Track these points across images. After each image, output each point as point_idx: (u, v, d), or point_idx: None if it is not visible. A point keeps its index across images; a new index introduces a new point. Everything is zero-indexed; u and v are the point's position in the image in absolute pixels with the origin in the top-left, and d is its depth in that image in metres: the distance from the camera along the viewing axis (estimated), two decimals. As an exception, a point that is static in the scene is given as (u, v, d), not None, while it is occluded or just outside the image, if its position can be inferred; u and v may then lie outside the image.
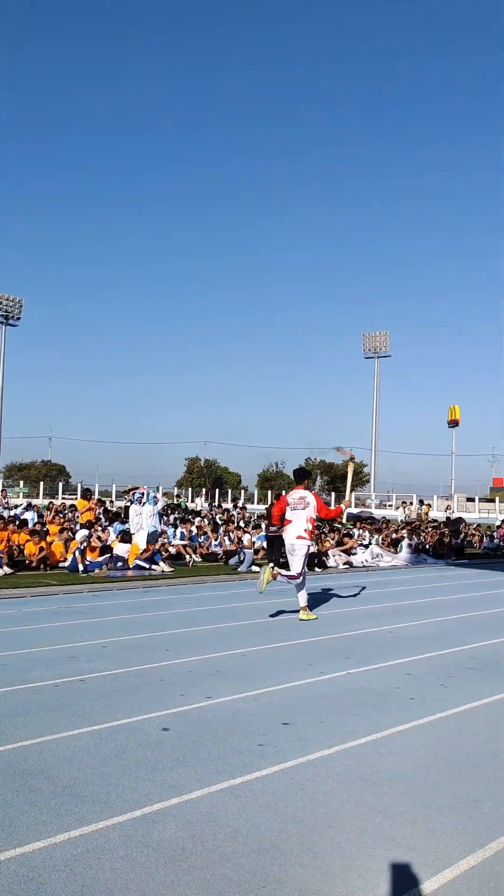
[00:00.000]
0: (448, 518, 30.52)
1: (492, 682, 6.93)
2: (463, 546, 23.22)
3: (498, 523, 29.34)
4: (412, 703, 6.13)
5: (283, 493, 11.82)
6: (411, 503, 38.14)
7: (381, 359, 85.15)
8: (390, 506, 62.93)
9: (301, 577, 10.43)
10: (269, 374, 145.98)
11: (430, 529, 23.80)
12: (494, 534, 26.16)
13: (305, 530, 10.45)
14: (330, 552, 18.09)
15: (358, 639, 8.97)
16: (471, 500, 70.81)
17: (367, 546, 19.44)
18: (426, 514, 33.09)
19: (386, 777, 4.52)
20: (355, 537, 19.96)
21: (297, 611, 10.45)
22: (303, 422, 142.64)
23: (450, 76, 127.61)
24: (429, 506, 40.84)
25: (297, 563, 10.44)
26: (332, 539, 19.00)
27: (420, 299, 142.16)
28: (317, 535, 11.38)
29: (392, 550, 20.54)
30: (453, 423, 78.68)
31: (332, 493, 75.39)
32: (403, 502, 39.92)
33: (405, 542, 20.54)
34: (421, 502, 36.94)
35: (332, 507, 11.75)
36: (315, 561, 16.97)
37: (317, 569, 16.83)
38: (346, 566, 17.97)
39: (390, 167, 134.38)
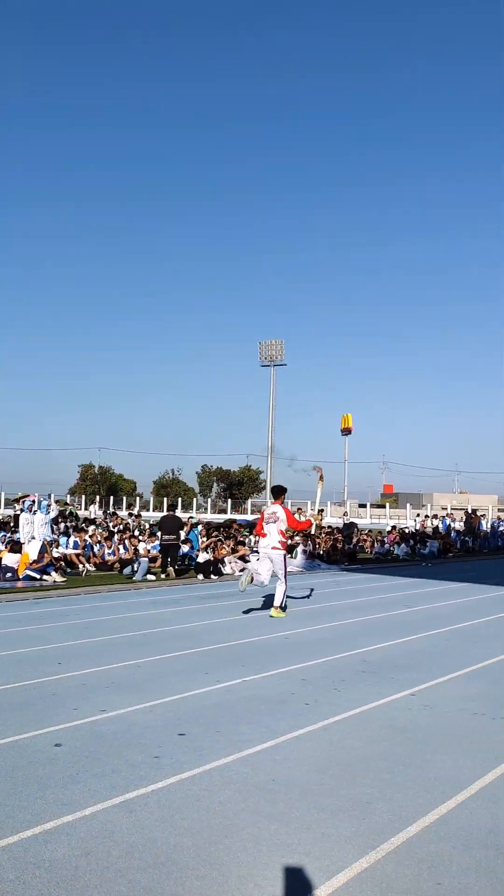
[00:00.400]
0: (344, 523, 31.18)
1: (382, 684, 7.11)
2: (355, 551, 23.77)
3: (388, 529, 30.19)
4: (306, 709, 6.22)
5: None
6: (299, 510, 38.71)
7: (276, 367, 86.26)
8: (285, 512, 63.52)
9: (264, 583, 11.74)
10: (165, 380, 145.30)
11: (323, 535, 24.23)
12: (385, 539, 26.89)
13: (279, 542, 11.74)
14: (226, 559, 18.14)
15: (254, 646, 9.03)
16: (363, 506, 72.63)
17: (262, 553, 19.60)
18: (319, 520, 33.67)
19: (281, 784, 4.56)
20: (249, 544, 20.10)
21: (193, 623, 10.47)
22: (200, 428, 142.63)
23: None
24: (321, 511, 41.58)
25: (279, 571, 11.62)
26: (228, 546, 19.06)
27: (314, 309, 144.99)
28: (287, 543, 12.82)
29: (288, 556, 20.77)
30: (346, 431, 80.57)
31: (229, 500, 75.69)
32: (299, 508, 40.50)
33: (299, 549, 20.83)
34: (319, 511, 37.54)
35: (302, 520, 13.18)
36: (211, 569, 16.98)
37: (213, 576, 16.85)
38: (242, 572, 18.06)
39: (289, 180, 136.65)
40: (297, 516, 12.51)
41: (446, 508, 60.70)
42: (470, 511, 35.09)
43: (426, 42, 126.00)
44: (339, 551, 22.30)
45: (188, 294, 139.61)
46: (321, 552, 21.86)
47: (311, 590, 15.15)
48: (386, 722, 5.90)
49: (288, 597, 11.87)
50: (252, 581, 11.55)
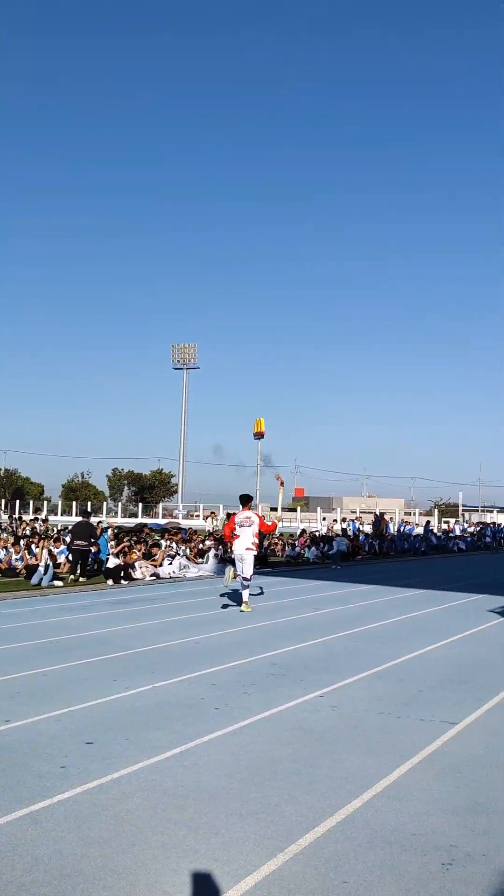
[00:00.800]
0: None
1: (292, 686, 7.19)
2: (266, 555, 23.91)
3: (299, 532, 30.54)
4: (216, 713, 6.22)
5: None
6: (212, 514, 38.83)
7: (189, 370, 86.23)
8: (198, 516, 63.65)
9: (251, 579, 12.95)
10: (76, 382, 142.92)
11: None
12: (295, 542, 27.18)
13: (252, 543, 13.09)
14: (136, 564, 17.96)
15: (164, 651, 8.97)
16: (274, 509, 73.18)
17: (174, 557, 19.51)
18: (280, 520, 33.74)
19: (190, 789, 4.55)
20: (163, 549, 19.98)
21: (102, 629, 10.34)
22: (111, 431, 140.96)
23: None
24: (233, 514, 41.80)
25: (248, 568, 12.88)
26: (139, 551, 18.88)
27: (227, 313, 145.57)
28: (260, 544, 14.77)
29: (199, 561, 20.76)
30: (259, 436, 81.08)
31: (140, 504, 75.01)
32: (212, 512, 40.61)
33: (211, 553, 20.82)
34: (228, 515, 37.70)
35: (269, 524, 14.45)
36: (121, 574, 16.79)
37: (123, 581, 16.65)
38: (154, 577, 17.93)
39: (197, 189, 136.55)
40: (265, 520, 14.18)
41: (355, 512, 61.88)
42: (378, 514, 35.88)
43: (428, 51, 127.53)
44: (251, 555, 22.37)
45: (101, 292, 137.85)
46: (232, 556, 21.89)
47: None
48: (295, 724, 5.97)
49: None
50: (235, 577, 12.83)
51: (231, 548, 13.65)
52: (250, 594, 13.11)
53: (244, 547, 13.03)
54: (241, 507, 13.72)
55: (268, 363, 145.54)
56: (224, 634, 10.23)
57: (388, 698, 6.84)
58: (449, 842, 3.89)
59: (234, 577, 12.88)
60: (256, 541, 13.33)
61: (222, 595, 12.42)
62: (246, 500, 13.75)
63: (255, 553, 13.35)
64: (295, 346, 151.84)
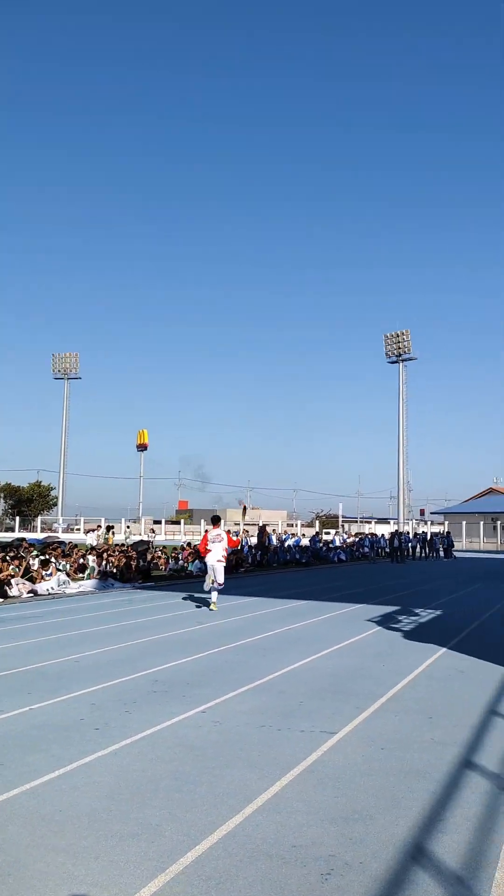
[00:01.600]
0: (138, 541, 31.00)
1: (174, 703, 7.15)
2: (149, 569, 23.71)
3: (183, 545, 30.45)
4: (97, 734, 6.11)
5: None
6: (98, 527, 38.21)
7: (71, 380, 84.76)
8: (78, 530, 62.46)
9: (223, 584, 15.66)
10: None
11: (117, 553, 23.97)
12: (179, 555, 27.08)
13: (223, 556, 15.74)
14: (13, 581, 17.39)
15: (41, 671, 8.72)
16: (157, 522, 72.78)
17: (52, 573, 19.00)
18: (112, 537, 33.39)
19: (70, 814, 4.45)
20: (43, 564, 19.44)
21: None
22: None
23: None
24: (112, 527, 41.43)
25: (219, 576, 15.41)
26: (17, 566, 18.28)
27: (108, 323, 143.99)
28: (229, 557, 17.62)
29: (79, 576, 20.32)
30: (142, 447, 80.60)
31: (17, 518, 72.75)
32: (98, 525, 39.99)
33: (95, 569, 20.43)
34: (108, 528, 37.19)
35: (235, 539, 17.76)
36: (-3, 590, 16.21)
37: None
38: (31, 594, 17.40)
39: (87, 199, 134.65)
40: (231, 536, 17.24)
41: (240, 524, 62.34)
42: (261, 526, 36.26)
43: (432, 56, 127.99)
44: (133, 569, 22.15)
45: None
46: (114, 570, 21.58)
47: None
48: (176, 741, 5.94)
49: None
50: (213, 582, 15.33)
51: (205, 559, 16.18)
52: (218, 595, 15.49)
53: (216, 559, 15.54)
54: (212, 525, 16.55)
55: (150, 373, 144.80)
56: (104, 652, 10.05)
57: (269, 711, 6.92)
58: (328, 851, 3.98)
59: (213, 583, 15.30)
60: (226, 554, 16.06)
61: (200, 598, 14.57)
62: (216, 521, 16.97)
63: (224, 564, 15.93)
64: (176, 356, 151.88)
